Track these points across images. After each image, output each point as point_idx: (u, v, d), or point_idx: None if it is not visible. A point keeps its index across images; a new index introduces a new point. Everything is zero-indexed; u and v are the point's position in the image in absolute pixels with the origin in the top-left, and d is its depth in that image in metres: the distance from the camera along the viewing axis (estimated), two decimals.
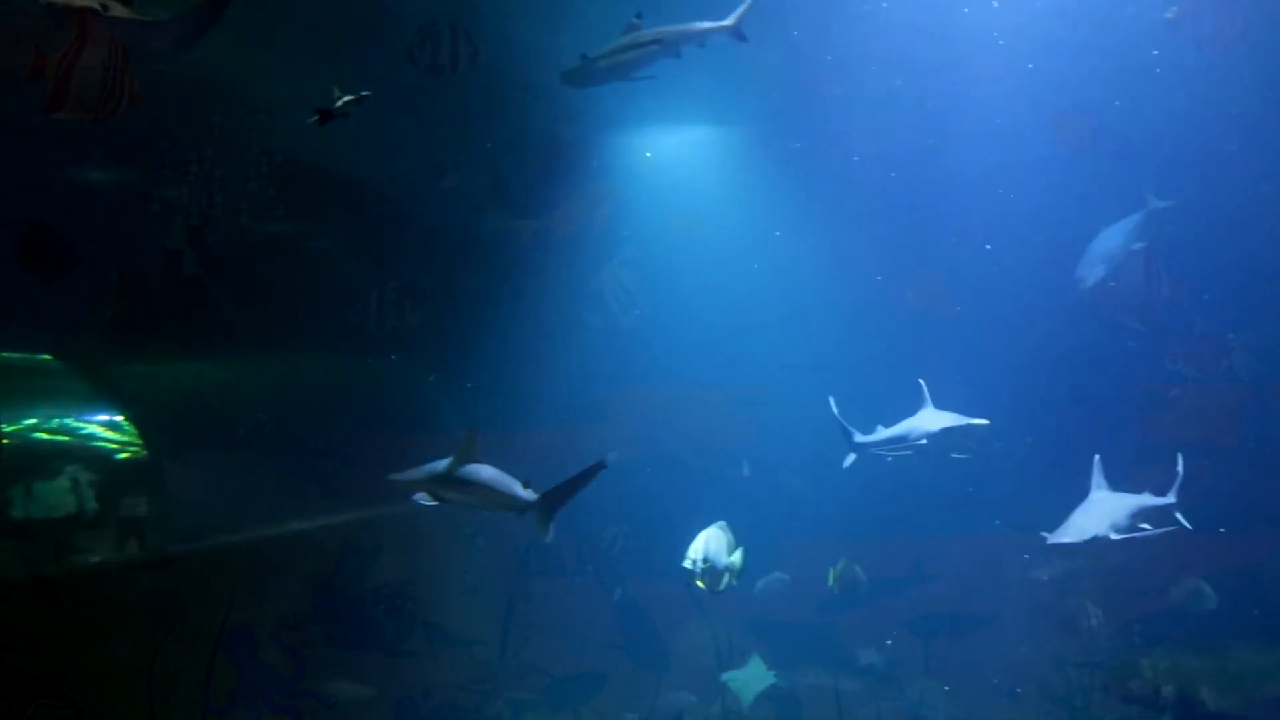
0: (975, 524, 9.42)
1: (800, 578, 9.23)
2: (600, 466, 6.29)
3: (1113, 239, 8.50)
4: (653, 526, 9.39)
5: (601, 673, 9.02)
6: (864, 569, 8.78)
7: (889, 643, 8.77)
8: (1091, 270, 8.43)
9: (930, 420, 8.23)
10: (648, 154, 10.37)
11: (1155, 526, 7.15)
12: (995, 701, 6.25)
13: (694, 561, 6.91)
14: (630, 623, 9.58)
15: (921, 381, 8.35)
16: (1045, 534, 7.10)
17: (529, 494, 6.38)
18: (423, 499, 6.43)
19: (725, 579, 7.00)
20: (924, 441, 8.04)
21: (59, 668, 6.04)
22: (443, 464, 6.52)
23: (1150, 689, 8.18)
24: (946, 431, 7.96)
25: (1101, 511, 7.33)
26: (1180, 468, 7.45)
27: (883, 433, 8.44)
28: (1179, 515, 7.29)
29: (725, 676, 7.96)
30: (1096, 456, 7.63)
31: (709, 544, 7.04)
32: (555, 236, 10.44)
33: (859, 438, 8.47)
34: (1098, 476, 7.72)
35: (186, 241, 9.52)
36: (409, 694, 7.74)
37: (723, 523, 7.26)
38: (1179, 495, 7.43)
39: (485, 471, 6.52)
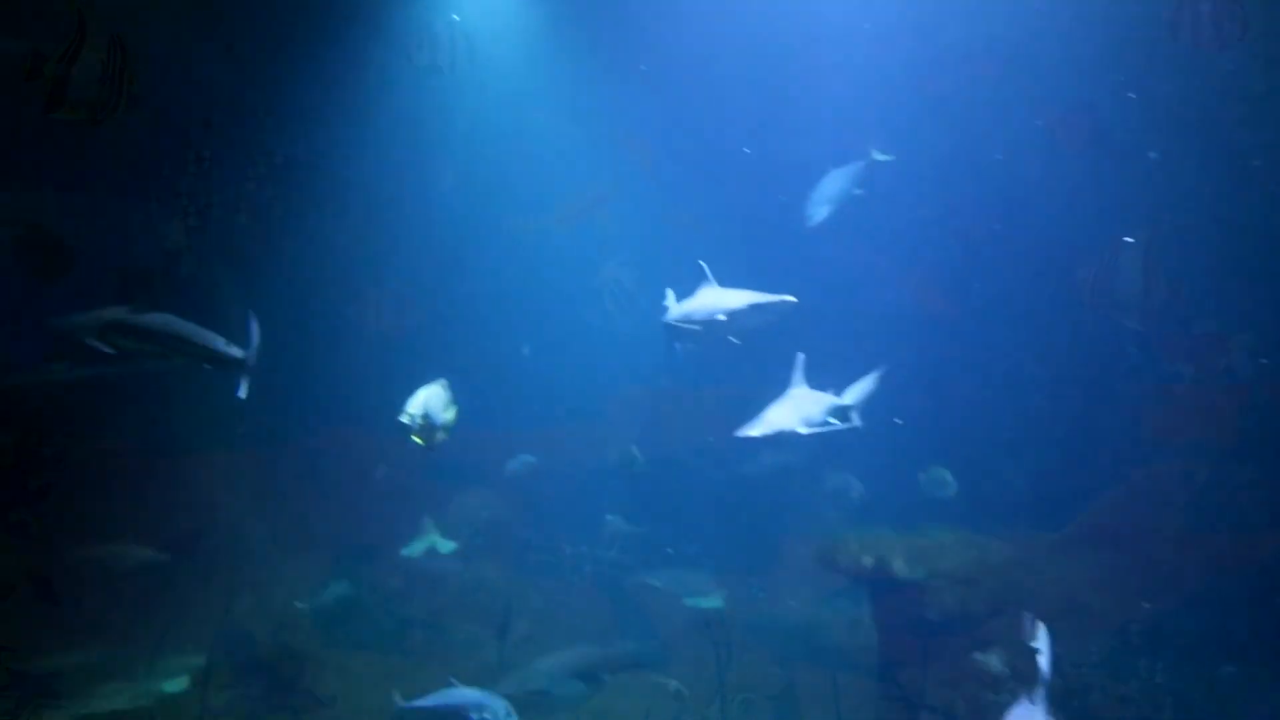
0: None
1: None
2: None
3: (836, 182, 9.20)
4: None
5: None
6: None
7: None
8: (817, 210, 9.18)
9: (729, 298, 7.97)
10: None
11: (841, 423, 7.63)
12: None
13: (411, 416, 6.84)
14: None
15: (702, 263, 8.18)
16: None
17: (234, 349, 6.29)
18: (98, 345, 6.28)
19: (439, 435, 7.03)
20: (724, 318, 7.76)
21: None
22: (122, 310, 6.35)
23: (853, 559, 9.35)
24: (755, 308, 7.76)
25: (793, 407, 7.65)
26: (870, 380, 7.87)
27: (681, 307, 8.20)
28: (854, 415, 7.73)
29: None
30: (800, 355, 7.89)
31: (428, 400, 6.96)
32: None
33: (670, 316, 8.17)
34: (797, 374, 7.95)
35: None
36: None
37: (444, 380, 7.18)
38: (856, 399, 7.87)
39: (177, 322, 6.37)
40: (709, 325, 7.84)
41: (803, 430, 7.45)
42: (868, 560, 9.50)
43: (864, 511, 10.25)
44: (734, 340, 7.84)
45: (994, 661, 8.96)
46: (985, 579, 9.34)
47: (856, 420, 7.86)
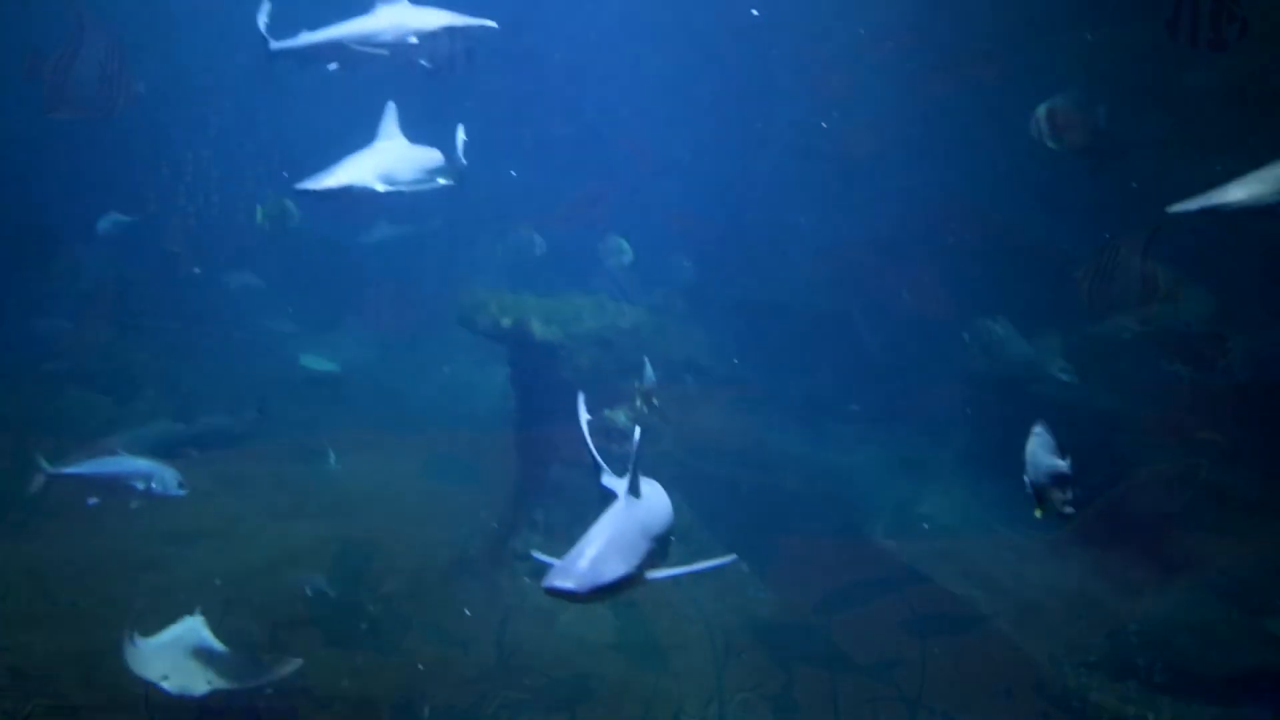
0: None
1: None
2: None
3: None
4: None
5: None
6: None
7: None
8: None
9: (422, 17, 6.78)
10: None
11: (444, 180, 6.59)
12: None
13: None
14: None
15: None
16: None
17: None
18: None
19: None
20: (415, 40, 6.66)
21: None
22: None
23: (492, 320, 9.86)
24: (449, 30, 6.74)
25: (374, 161, 6.61)
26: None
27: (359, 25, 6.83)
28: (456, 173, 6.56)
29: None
30: (390, 103, 6.87)
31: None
32: None
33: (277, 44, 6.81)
34: (388, 125, 6.85)
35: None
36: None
37: None
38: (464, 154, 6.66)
39: None
40: (397, 49, 6.72)
41: (380, 187, 6.44)
42: (506, 321, 9.78)
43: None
44: (425, 65, 6.79)
45: (620, 417, 9.59)
46: (618, 340, 9.94)
47: (457, 178, 6.65)
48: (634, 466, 5.07)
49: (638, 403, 8.78)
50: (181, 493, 7.47)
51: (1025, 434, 5.07)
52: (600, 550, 4.53)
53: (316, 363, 12.47)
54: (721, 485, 11.00)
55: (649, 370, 8.52)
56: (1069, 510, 5.20)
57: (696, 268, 12.39)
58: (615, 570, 4.49)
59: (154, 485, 7.40)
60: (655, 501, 5.21)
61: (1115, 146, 8.02)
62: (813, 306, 12.87)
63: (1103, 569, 7.57)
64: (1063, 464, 5.12)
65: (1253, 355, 7.46)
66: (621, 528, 4.75)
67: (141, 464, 7.57)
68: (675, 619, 6.80)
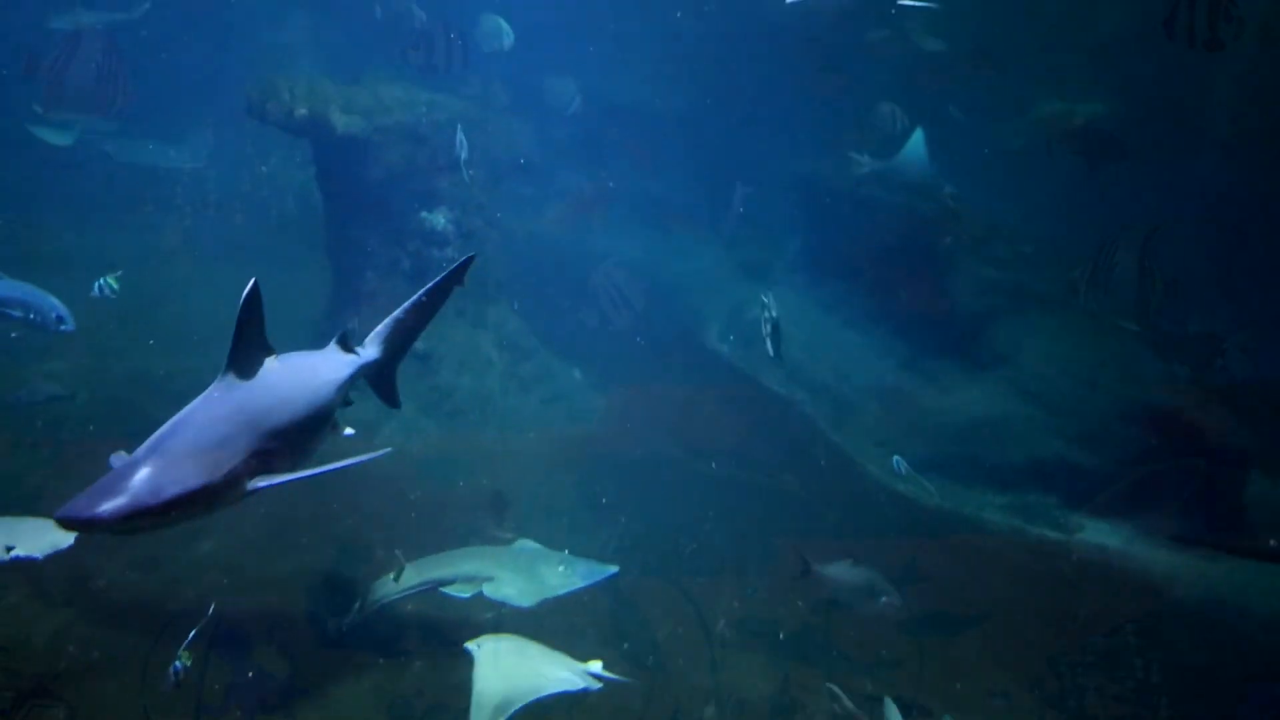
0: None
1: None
2: None
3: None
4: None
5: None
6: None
7: None
8: None
9: None
10: None
11: None
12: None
13: None
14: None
15: None
16: None
17: None
18: None
19: None
20: None
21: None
22: None
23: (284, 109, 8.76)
24: None
25: None
26: None
27: None
28: None
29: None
30: None
31: None
32: None
33: None
34: None
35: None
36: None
37: None
38: None
39: None
40: None
41: None
42: (301, 111, 8.51)
43: None
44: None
45: (439, 220, 9.13)
46: (435, 136, 9.02)
47: None
48: (238, 333, 3.65)
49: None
50: (66, 329, 7.06)
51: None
52: (162, 456, 3.26)
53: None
54: (555, 297, 10.66)
55: (460, 138, 7.91)
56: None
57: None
58: (182, 481, 3.22)
59: (32, 316, 7.06)
60: (287, 379, 3.88)
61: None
62: (656, 106, 12.25)
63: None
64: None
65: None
66: (209, 418, 3.46)
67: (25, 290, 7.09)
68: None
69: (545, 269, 11.09)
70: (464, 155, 8.18)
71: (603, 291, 10.34)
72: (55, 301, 7.08)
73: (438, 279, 4.53)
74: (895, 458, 7.55)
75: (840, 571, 6.04)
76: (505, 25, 9.32)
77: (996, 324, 8.91)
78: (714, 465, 8.48)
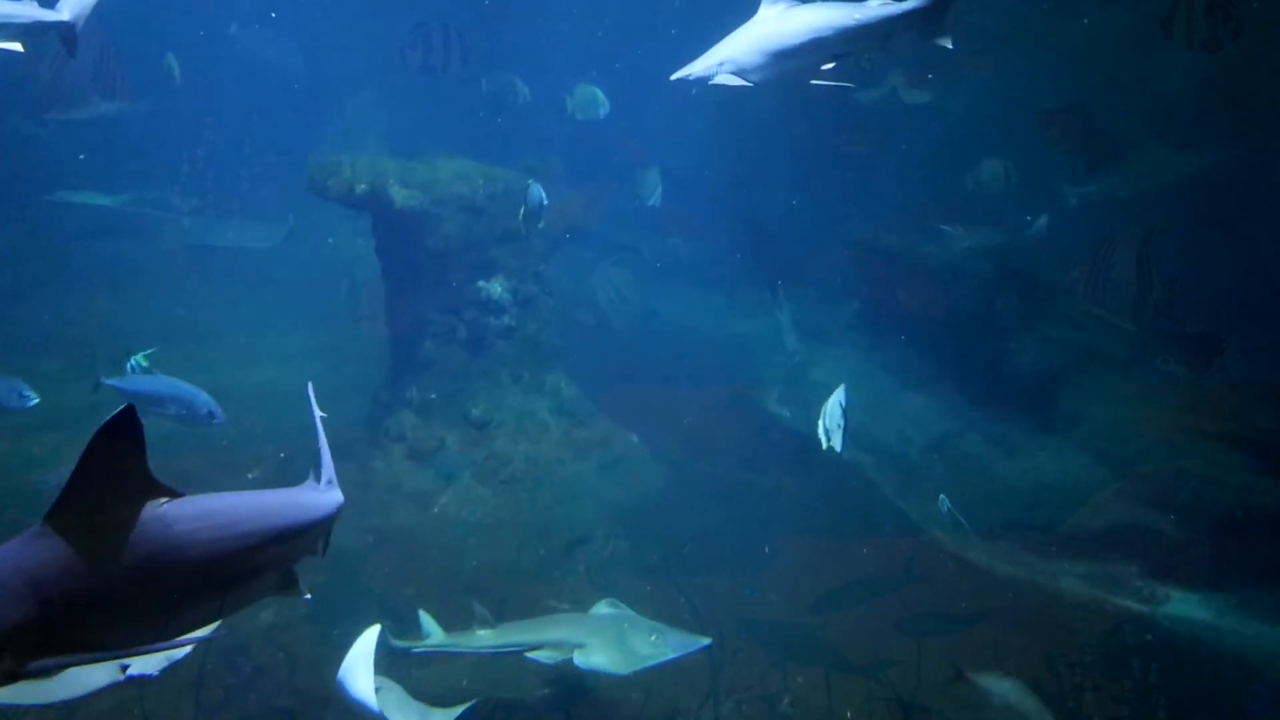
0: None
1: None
2: None
3: None
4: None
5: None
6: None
7: None
8: None
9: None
10: None
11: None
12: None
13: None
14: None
15: None
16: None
17: None
18: None
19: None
20: None
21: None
22: None
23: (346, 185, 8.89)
24: None
25: (767, 34, 5.39)
26: None
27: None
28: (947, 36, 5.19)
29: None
30: None
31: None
32: None
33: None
34: None
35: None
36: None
37: None
38: None
39: None
40: None
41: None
42: (362, 186, 8.77)
43: None
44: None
45: (495, 289, 9.17)
46: (490, 207, 9.14)
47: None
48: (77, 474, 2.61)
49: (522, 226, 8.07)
50: (217, 423, 7.36)
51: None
52: None
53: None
54: (613, 362, 10.65)
55: (536, 192, 7.73)
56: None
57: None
58: None
59: (184, 412, 7.32)
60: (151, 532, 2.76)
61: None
62: (711, 171, 12.34)
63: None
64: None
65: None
66: None
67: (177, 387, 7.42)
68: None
69: (603, 333, 11.13)
70: (541, 202, 7.91)
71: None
72: (206, 397, 7.33)
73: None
74: (940, 496, 7.31)
75: (998, 687, 5.76)
76: (600, 95, 9.48)
77: (1065, 385, 8.63)
78: (775, 531, 8.28)
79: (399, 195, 8.79)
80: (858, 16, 5.30)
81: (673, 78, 5.79)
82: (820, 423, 6.46)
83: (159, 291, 12.61)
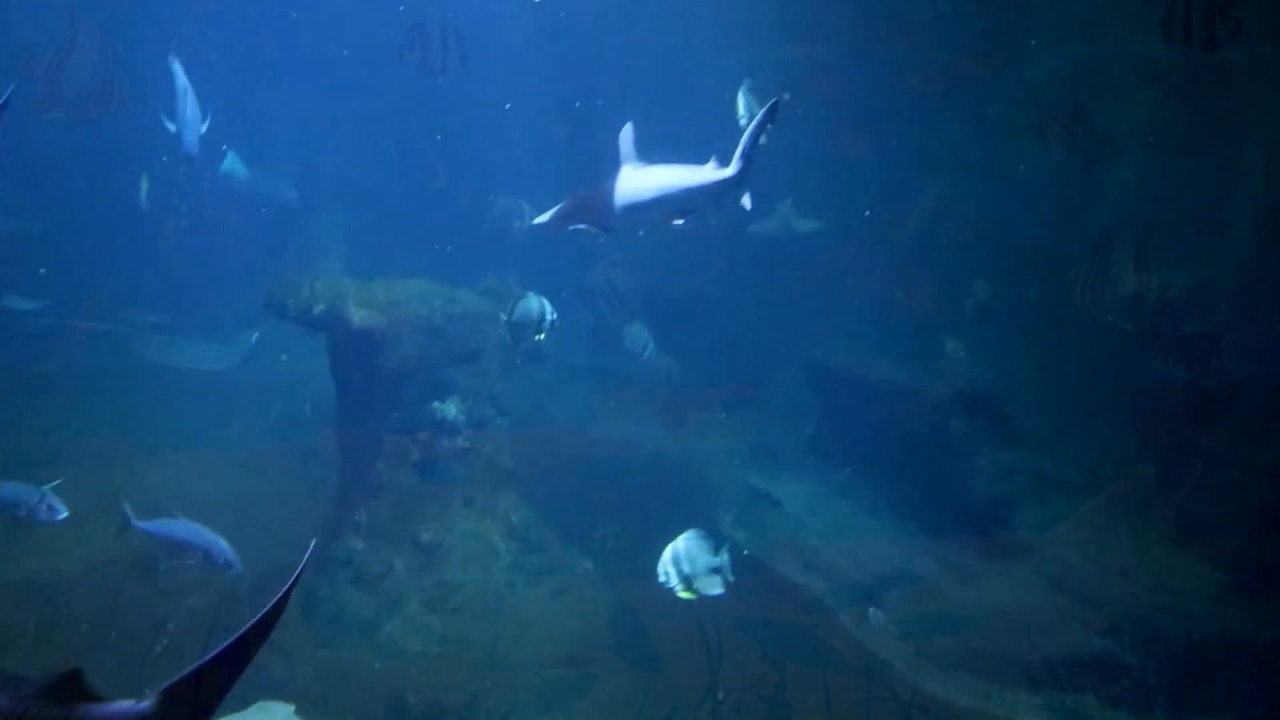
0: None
1: None
2: None
3: None
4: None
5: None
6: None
7: None
8: None
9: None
10: None
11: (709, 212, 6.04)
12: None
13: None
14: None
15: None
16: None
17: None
18: None
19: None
20: None
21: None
22: None
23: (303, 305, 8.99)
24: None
25: (623, 190, 6.06)
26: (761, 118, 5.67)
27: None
28: (745, 197, 5.92)
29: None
30: (629, 124, 6.31)
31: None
32: None
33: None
34: (627, 147, 6.25)
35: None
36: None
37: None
38: (746, 161, 5.76)
39: None
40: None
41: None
42: (320, 307, 8.85)
43: None
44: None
45: (451, 409, 9.06)
46: (449, 328, 9.20)
47: (748, 203, 6.03)
48: None
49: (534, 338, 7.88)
50: (234, 572, 7.46)
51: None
52: None
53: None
54: (568, 485, 10.54)
55: (536, 305, 7.48)
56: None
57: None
58: None
59: (202, 561, 7.43)
60: None
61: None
62: (673, 290, 12.59)
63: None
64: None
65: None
66: None
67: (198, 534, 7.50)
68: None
69: (559, 455, 11.05)
70: (545, 317, 7.67)
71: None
72: (223, 545, 7.42)
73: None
74: (870, 610, 7.20)
75: None
76: (548, 305, 9.42)
77: (1019, 509, 8.66)
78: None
79: (357, 315, 8.83)
80: (698, 179, 6.08)
81: (534, 223, 6.53)
82: (670, 570, 6.39)
83: (110, 408, 12.41)
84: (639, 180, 6.19)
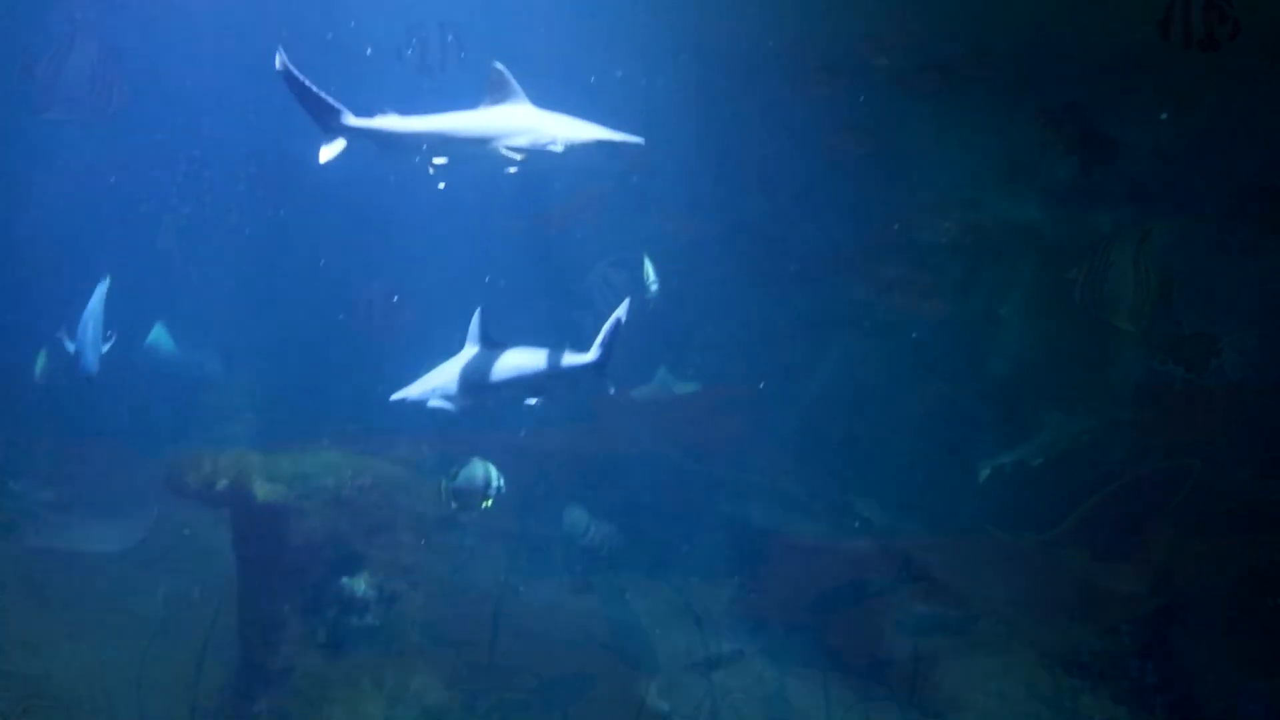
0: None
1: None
2: None
3: None
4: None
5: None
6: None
7: None
8: None
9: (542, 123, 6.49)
10: None
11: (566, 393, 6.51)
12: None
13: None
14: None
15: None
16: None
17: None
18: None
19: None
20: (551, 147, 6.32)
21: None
22: None
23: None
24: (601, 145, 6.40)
25: (471, 367, 6.55)
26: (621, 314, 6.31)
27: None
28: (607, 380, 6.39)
29: None
30: (479, 310, 6.78)
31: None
32: None
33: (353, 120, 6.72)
34: (476, 329, 6.74)
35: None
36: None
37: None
38: (607, 349, 6.30)
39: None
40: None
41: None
42: (222, 483, 8.74)
43: None
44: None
45: (360, 585, 8.83)
46: (359, 499, 8.99)
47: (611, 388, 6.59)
48: None
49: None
50: None
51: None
52: None
53: None
54: (489, 659, 10.09)
55: (481, 470, 7.27)
56: None
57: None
58: None
59: None
60: None
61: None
62: (587, 450, 12.51)
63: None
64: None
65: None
66: None
67: None
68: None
69: (479, 629, 10.61)
70: (495, 486, 7.36)
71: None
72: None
73: None
74: None
75: None
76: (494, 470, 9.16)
77: (944, 667, 8.59)
78: None
79: (261, 490, 8.59)
80: (556, 363, 6.45)
81: (392, 399, 6.90)
82: None
83: None
84: (493, 362, 6.42)
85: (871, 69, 9.70)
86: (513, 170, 6.51)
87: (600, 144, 6.47)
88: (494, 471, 7.33)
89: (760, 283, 10.69)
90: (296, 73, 6.81)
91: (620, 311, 6.23)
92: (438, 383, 6.69)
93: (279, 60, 6.72)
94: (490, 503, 7.31)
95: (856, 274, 10.61)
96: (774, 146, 10.40)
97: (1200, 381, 7.73)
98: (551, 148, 6.38)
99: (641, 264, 7.41)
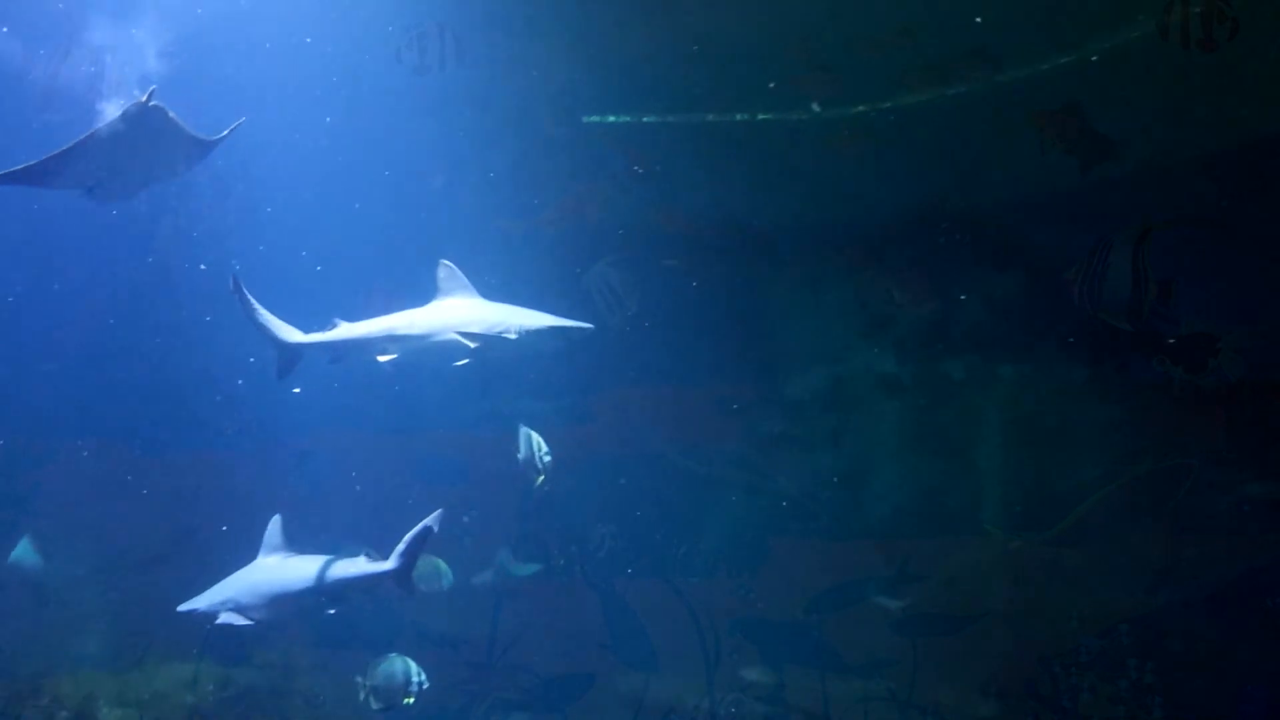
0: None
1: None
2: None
3: None
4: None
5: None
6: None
7: None
8: None
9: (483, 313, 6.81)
10: None
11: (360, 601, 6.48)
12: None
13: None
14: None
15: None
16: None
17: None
18: None
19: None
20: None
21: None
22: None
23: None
24: (553, 330, 6.71)
25: (265, 577, 6.52)
26: (432, 522, 6.40)
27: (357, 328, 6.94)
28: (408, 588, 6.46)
29: None
30: (277, 517, 6.80)
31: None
32: None
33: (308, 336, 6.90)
34: (274, 538, 6.73)
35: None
36: None
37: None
38: (408, 558, 6.40)
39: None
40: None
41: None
42: (64, 714, 8.14)
43: None
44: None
45: None
46: (225, 714, 8.48)
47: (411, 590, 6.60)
48: None
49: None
50: None
51: None
52: None
53: None
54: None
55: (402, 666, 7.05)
56: None
57: None
58: None
59: None
60: None
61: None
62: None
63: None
64: None
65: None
66: None
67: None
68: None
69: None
70: (415, 683, 7.10)
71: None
72: None
73: None
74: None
75: None
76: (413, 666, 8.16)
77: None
78: None
79: (108, 716, 8.12)
80: (352, 571, 6.49)
81: (180, 609, 6.63)
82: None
83: None
84: (287, 572, 6.46)
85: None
86: (464, 361, 6.75)
87: (552, 330, 6.82)
88: (413, 666, 7.01)
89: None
90: (250, 298, 6.93)
91: (431, 520, 6.36)
92: (230, 593, 6.52)
93: (232, 281, 6.82)
94: (413, 700, 6.99)
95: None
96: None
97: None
98: (506, 335, 6.69)
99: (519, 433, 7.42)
